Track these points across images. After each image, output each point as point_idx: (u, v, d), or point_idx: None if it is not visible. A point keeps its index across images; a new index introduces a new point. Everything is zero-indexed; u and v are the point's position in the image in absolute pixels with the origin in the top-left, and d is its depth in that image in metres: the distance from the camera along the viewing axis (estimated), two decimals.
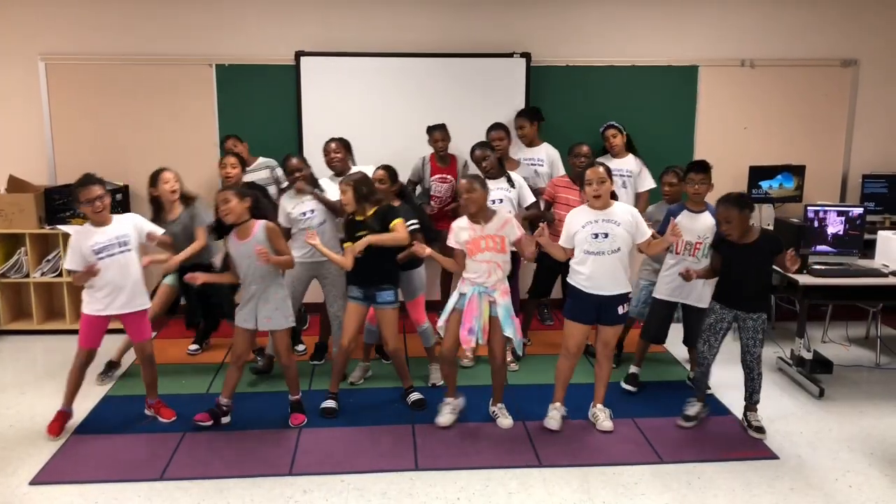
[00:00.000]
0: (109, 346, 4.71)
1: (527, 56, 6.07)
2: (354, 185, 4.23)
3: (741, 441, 4.12)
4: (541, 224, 4.14)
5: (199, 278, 4.13)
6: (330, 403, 4.42)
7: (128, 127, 6.01)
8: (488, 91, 6.05)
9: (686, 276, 4.23)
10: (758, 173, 6.14)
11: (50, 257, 5.85)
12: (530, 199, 5.08)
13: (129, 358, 5.00)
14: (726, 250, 4.11)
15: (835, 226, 5.04)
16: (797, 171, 6.23)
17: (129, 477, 3.70)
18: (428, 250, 4.20)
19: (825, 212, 5.05)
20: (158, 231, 4.28)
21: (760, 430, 4.17)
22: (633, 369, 4.84)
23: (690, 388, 4.75)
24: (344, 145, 5.09)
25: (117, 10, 5.90)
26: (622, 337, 5.22)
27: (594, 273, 4.06)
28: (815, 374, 4.85)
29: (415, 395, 4.55)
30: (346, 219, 4.39)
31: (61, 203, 5.74)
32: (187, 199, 4.82)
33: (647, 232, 4.13)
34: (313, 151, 5.45)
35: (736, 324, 4.17)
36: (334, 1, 5.99)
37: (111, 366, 4.93)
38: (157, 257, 4.39)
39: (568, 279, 4.23)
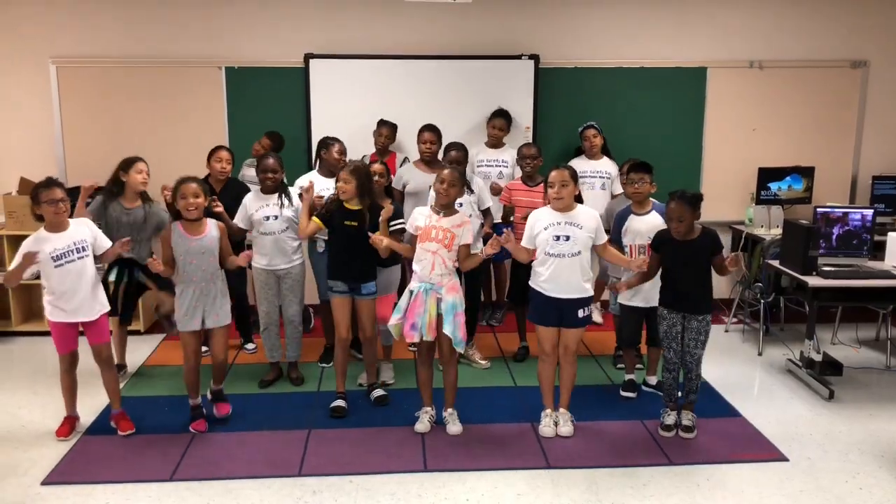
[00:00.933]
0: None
1: (535, 58, 6.07)
2: (358, 177, 4.24)
3: (750, 443, 4.11)
4: (505, 230, 4.13)
5: (157, 264, 4.02)
6: (339, 403, 4.44)
7: (138, 129, 6.05)
8: (497, 93, 6.05)
9: (614, 289, 4.22)
10: (767, 175, 6.12)
11: None
12: (488, 202, 5.08)
13: (135, 359, 5.03)
14: (667, 249, 4.08)
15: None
16: (806, 173, 6.22)
17: (140, 477, 3.72)
18: (386, 241, 4.14)
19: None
20: (107, 245, 4.14)
21: (689, 429, 4.14)
22: (627, 377, 4.80)
23: (655, 389, 4.74)
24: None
25: (127, 14, 5.94)
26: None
27: (554, 275, 4.04)
28: (824, 375, 4.84)
29: (378, 392, 4.57)
30: (332, 199, 4.37)
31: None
32: (146, 196, 4.76)
33: (604, 237, 4.14)
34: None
35: (683, 324, 4.13)
36: (343, 3, 6.02)
37: (118, 369, 4.93)
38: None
39: (530, 282, 4.20)
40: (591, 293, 4.14)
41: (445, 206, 4.10)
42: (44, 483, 3.68)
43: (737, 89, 6.31)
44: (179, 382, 4.81)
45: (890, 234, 5.08)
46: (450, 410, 4.27)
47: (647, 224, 4.44)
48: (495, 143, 5.80)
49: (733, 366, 4.50)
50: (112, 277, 4.71)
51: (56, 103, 6.00)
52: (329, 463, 3.86)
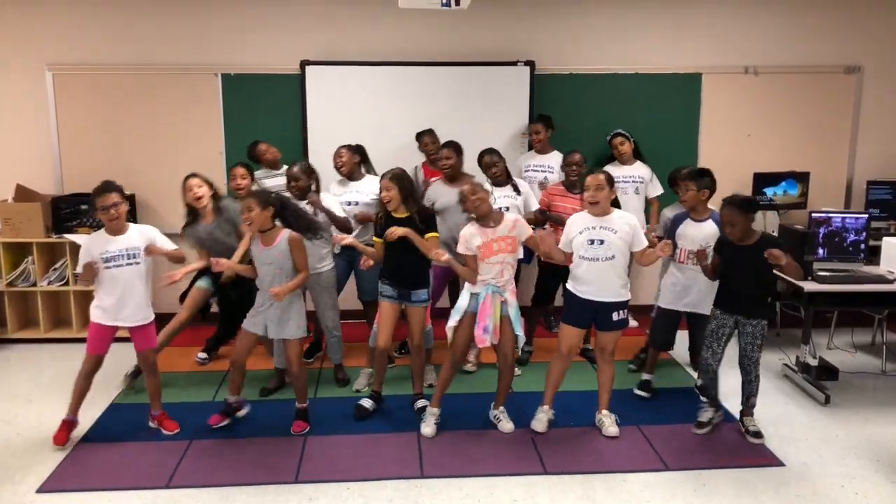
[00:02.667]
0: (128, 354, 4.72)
1: (531, 64, 6.09)
2: (399, 183, 4.27)
3: (747, 448, 4.11)
4: (548, 225, 4.19)
5: (222, 264, 4.11)
6: (365, 402, 4.49)
7: (134, 136, 6.05)
8: (493, 99, 6.07)
9: (701, 257, 4.25)
10: (762, 180, 6.14)
11: (57, 266, 5.88)
12: (535, 206, 5.14)
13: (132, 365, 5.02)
14: (726, 252, 4.13)
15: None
16: (801, 178, 6.24)
17: (136, 485, 3.71)
18: (446, 256, 4.20)
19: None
20: (169, 246, 4.20)
21: (758, 434, 4.17)
22: (645, 376, 4.87)
23: (697, 396, 4.75)
24: (354, 151, 5.17)
25: (124, 20, 5.94)
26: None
27: (588, 278, 4.11)
28: (820, 380, 4.85)
29: (421, 402, 4.56)
30: (382, 216, 4.39)
31: (68, 212, 5.78)
32: (217, 202, 4.78)
33: (644, 243, 4.16)
34: (318, 159, 5.47)
35: (736, 329, 4.17)
36: (339, 10, 6.03)
37: (139, 372, 4.92)
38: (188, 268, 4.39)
39: (566, 284, 4.27)
40: (628, 297, 4.19)
41: (488, 215, 4.13)
42: (39, 491, 3.67)
43: (732, 95, 6.33)
44: (177, 389, 4.83)
45: (885, 238, 5.09)
46: (501, 409, 4.37)
47: (701, 231, 4.46)
48: (541, 148, 5.80)
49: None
50: (205, 284, 4.83)
51: (52, 110, 6.00)
52: (326, 469, 3.86)
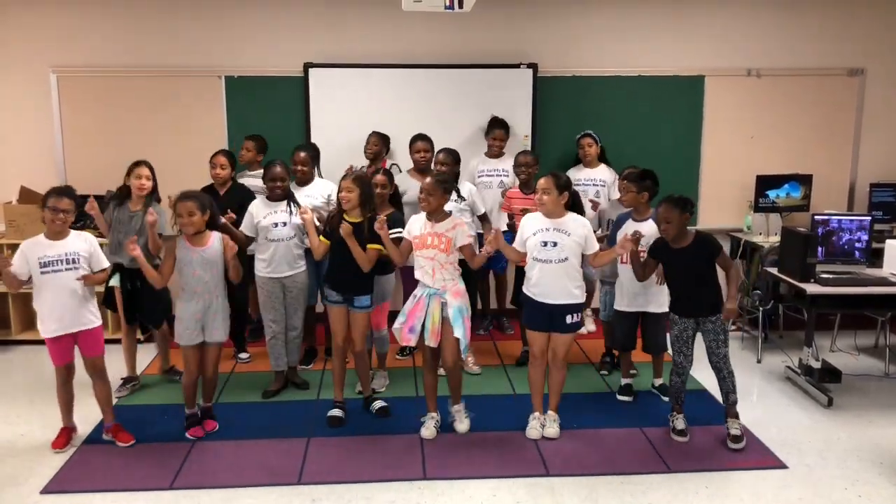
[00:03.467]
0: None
1: (533, 66, 6.10)
2: (361, 186, 4.25)
3: (749, 450, 4.10)
4: (494, 229, 4.20)
5: (134, 249, 4.04)
6: (336, 412, 4.44)
7: (138, 138, 6.05)
8: (495, 101, 6.07)
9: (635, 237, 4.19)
10: (765, 182, 6.14)
11: None
12: (481, 209, 5.17)
13: (144, 365, 5.04)
14: (664, 256, 4.14)
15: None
16: (804, 181, 6.23)
17: (139, 486, 3.72)
18: (385, 231, 4.14)
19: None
20: (104, 265, 4.13)
21: (737, 439, 4.12)
22: (623, 381, 4.84)
23: (662, 395, 4.75)
24: (311, 155, 5.17)
25: (128, 23, 5.96)
26: (609, 344, 5.24)
27: (541, 280, 4.11)
28: (823, 383, 4.84)
29: (379, 403, 4.56)
30: (333, 215, 4.37)
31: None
32: (148, 202, 4.73)
33: (596, 246, 4.18)
34: (322, 161, 5.50)
35: (698, 328, 4.16)
36: (342, 13, 6.04)
37: (128, 381, 4.94)
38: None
39: (522, 287, 4.27)
40: (581, 300, 4.19)
41: (432, 214, 4.13)
42: (43, 492, 3.68)
43: (734, 97, 6.33)
44: (178, 391, 4.82)
45: (888, 241, 5.09)
46: (457, 407, 4.33)
47: (643, 230, 4.45)
48: (496, 153, 5.80)
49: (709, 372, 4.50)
50: (115, 282, 4.72)
51: (57, 112, 6.02)
52: (328, 471, 3.86)
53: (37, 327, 5.81)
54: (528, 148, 6.06)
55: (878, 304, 4.98)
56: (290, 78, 6.04)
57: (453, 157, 5.03)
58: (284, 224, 4.64)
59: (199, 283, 4.10)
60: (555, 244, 4.07)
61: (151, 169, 4.75)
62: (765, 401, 4.80)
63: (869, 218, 5.12)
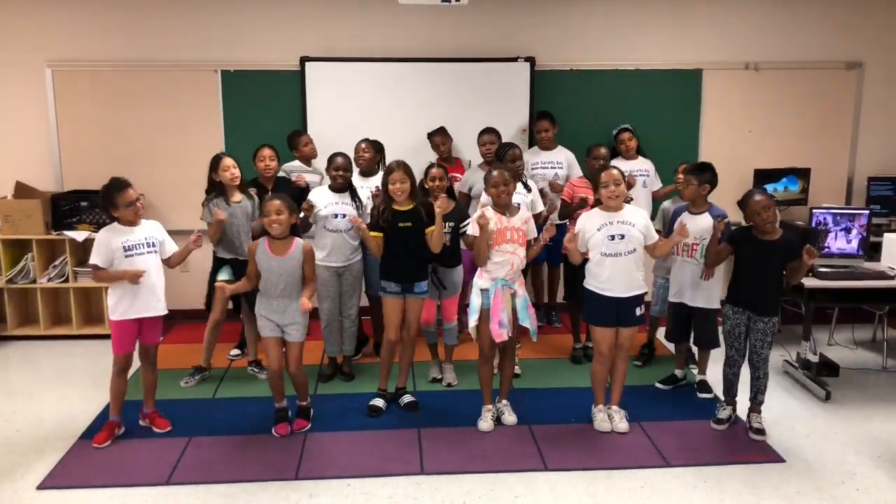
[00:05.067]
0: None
1: (531, 60, 6.08)
2: (411, 176, 4.33)
3: (747, 444, 4.11)
4: (570, 229, 4.21)
5: (227, 290, 4.17)
6: (377, 401, 4.48)
7: (134, 133, 6.04)
8: (493, 96, 6.06)
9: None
10: (763, 176, 6.13)
11: (56, 263, 5.87)
12: (541, 207, 5.13)
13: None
14: (745, 246, 4.11)
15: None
16: (802, 174, 6.23)
17: (136, 482, 3.71)
18: (484, 229, 4.09)
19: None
20: (175, 249, 4.22)
21: (760, 431, 4.16)
22: (676, 372, 4.88)
23: (698, 390, 4.76)
24: (374, 146, 5.21)
25: (123, 17, 5.93)
26: (651, 337, 5.25)
27: (611, 275, 4.11)
28: (821, 376, 4.85)
29: (407, 398, 4.57)
30: (383, 209, 4.36)
31: (68, 209, 5.78)
32: (244, 189, 4.85)
33: (655, 236, 4.21)
34: (318, 156, 5.49)
35: (748, 324, 4.17)
36: (339, 7, 6.02)
37: (199, 371, 4.97)
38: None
39: (585, 283, 4.27)
40: (646, 289, 4.22)
41: (507, 205, 4.15)
42: (39, 488, 3.67)
43: (732, 91, 6.32)
44: (177, 386, 4.82)
45: (886, 235, 5.09)
46: (504, 402, 4.38)
47: (698, 224, 4.44)
48: (547, 145, 5.79)
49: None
50: (225, 276, 4.75)
51: (52, 107, 5.99)
52: (326, 466, 3.86)
53: (33, 322, 5.93)
54: (526, 142, 6.05)
55: (876, 297, 4.97)
56: (287, 72, 6.01)
57: (497, 136, 5.16)
58: (345, 216, 4.68)
59: (272, 289, 4.08)
60: (622, 237, 4.08)
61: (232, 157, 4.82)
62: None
63: (867, 211, 5.11)
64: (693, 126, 6.34)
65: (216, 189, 4.77)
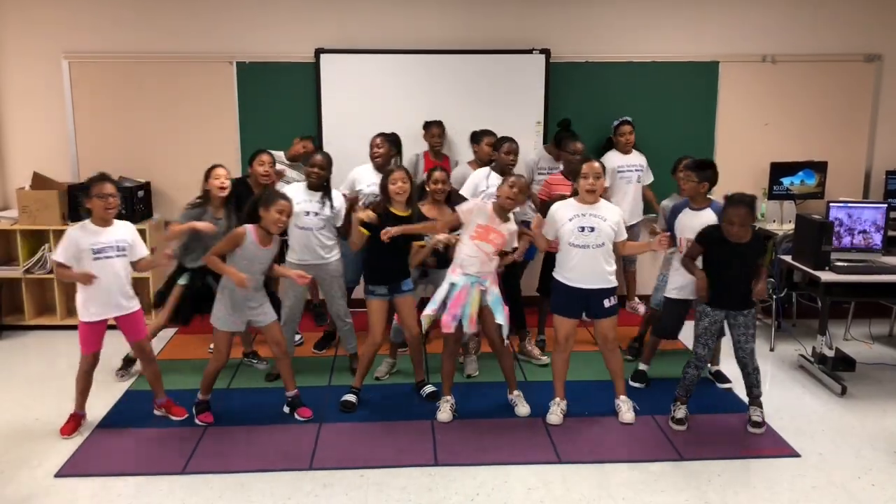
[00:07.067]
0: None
1: (546, 52, 6.05)
2: (412, 181, 4.34)
3: (762, 438, 4.09)
4: (536, 216, 4.22)
5: (179, 229, 4.24)
6: (350, 397, 4.46)
7: (149, 124, 6.07)
8: (508, 87, 6.04)
9: (656, 233, 4.25)
10: (779, 170, 6.09)
11: None
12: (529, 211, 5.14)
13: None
14: (719, 250, 4.05)
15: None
16: (819, 168, 6.18)
17: (152, 470, 3.74)
18: (393, 231, 4.12)
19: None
20: (145, 253, 4.21)
21: (758, 424, 4.15)
22: (641, 366, 4.86)
23: (712, 384, 4.75)
24: (390, 140, 5.18)
25: (139, 8, 5.95)
26: (643, 331, 5.23)
27: (578, 266, 4.12)
28: (837, 371, 4.81)
29: (429, 388, 4.58)
30: (376, 204, 4.36)
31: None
32: (230, 203, 4.70)
33: (625, 234, 4.21)
34: (332, 149, 5.48)
35: (727, 321, 4.14)
36: None
37: (129, 362, 4.96)
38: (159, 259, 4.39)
39: (553, 273, 4.27)
40: (616, 283, 4.21)
41: (507, 213, 4.18)
42: (57, 475, 3.71)
43: (749, 84, 6.27)
44: (190, 377, 4.84)
45: None
46: (516, 393, 4.39)
47: (700, 220, 4.39)
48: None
49: (731, 362, 4.48)
50: (183, 281, 4.75)
51: (69, 98, 6.03)
52: (340, 457, 3.87)
53: (51, 312, 5.98)
54: (541, 135, 6.03)
55: (893, 292, 4.93)
56: (302, 64, 6.01)
57: (517, 145, 5.02)
58: (315, 214, 4.66)
59: (251, 279, 4.08)
60: (592, 229, 4.08)
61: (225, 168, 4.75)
62: (778, 389, 4.78)
63: (885, 205, 5.06)
64: (709, 119, 6.30)
65: (205, 199, 4.68)
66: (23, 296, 5.88)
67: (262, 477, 3.69)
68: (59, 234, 5.75)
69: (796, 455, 3.91)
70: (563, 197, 4.59)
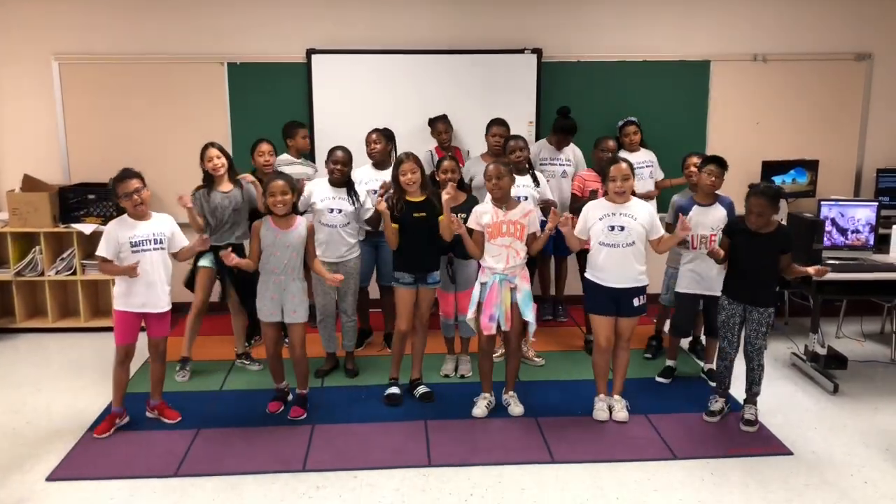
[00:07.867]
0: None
1: (538, 52, 6.05)
2: (421, 167, 4.36)
3: (755, 437, 4.10)
4: (566, 214, 4.20)
5: (233, 258, 4.10)
6: (393, 390, 4.51)
7: (140, 125, 6.04)
8: (500, 87, 6.04)
9: (714, 254, 4.23)
10: (771, 168, 6.10)
11: (64, 256, 5.89)
12: (549, 195, 5.13)
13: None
14: (741, 239, 4.09)
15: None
16: (810, 166, 6.20)
17: (145, 473, 3.72)
18: (462, 228, 4.16)
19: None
20: (185, 244, 4.24)
21: (751, 423, 4.17)
22: (668, 363, 4.89)
23: (705, 382, 4.76)
24: (385, 135, 5.18)
25: (130, 10, 5.92)
26: (659, 328, 5.25)
27: (608, 265, 4.12)
28: (829, 369, 4.83)
29: (422, 388, 4.58)
30: (393, 197, 4.39)
31: (75, 202, 5.79)
32: (235, 178, 4.84)
33: (661, 230, 4.20)
34: (324, 148, 5.45)
35: (744, 315, 4.16)
36: None
37: (185, 362, 4.94)
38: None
39: (585, 273, 4.29)
40: (647, 282, 4.22)
41: (503, 199, 4.16)
42: (49, 479, 3.68)
43: (740, 83, 6.28)
44: (191, 380, 4.83)
45: (895, 227, 5.06)
46: (511, 393, 4.40)
47: (710, 216, 4.46)
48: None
49: (737, 360, 4.49)
50: (206, 263, 4.78)
51: (59, 100, 5.99)
52: (333, 458, 3.86)
53: (41, 315, 5.95)
54: (533, 134, 6.03)
55: (885, 290, 4.95)
56: (293, 64, 6.00)
57: (524, 142, 5.03)
58: (340, 211, 4.66)
59: (277, 264, 4.13)
60: (622, 228, 4.09)
61: (221, 148, 4.83)
62: (770, 387, 4.77)
63: (876, 203, 5.08)
64: (701, 118, 6.31)
65: (207, 180, 4.79)
66: (13, 299, 5.85)
67: (256, 479, 3.67)
68: (49, 237, 5.78)
69: (789, 453, 3.92)
70: (595, 193, 4.67)
